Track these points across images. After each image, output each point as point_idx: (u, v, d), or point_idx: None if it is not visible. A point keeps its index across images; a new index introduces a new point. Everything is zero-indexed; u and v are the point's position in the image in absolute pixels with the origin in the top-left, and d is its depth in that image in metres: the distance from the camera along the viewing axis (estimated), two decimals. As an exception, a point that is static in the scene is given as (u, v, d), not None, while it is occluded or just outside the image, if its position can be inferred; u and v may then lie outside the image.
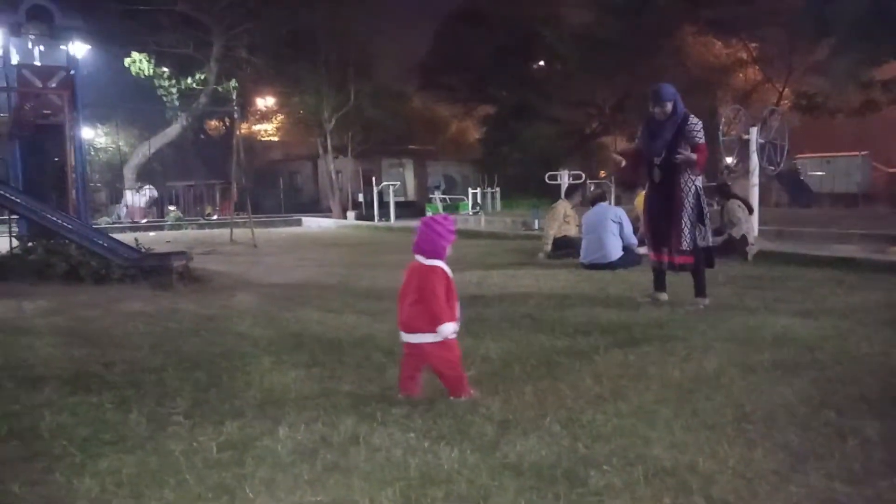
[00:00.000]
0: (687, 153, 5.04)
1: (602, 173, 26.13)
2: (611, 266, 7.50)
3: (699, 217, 5.19)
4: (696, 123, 5.11)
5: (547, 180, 15.19)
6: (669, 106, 5.13)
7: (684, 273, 5.37)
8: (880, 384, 3.13)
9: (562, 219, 9.24)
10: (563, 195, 10.08)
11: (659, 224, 5.31)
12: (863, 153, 22.44)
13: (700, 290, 5.30)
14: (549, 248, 9.15)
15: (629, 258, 7.75)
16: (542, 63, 32.42)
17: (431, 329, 2.94)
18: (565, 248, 8.84)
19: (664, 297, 5.45)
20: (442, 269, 3.00)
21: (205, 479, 2.25)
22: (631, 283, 6.56)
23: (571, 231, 9.13)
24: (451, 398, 2.98)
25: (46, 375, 3.52)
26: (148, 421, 2.82)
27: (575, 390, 3.12)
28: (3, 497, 2.13)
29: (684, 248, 5.17)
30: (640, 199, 9.96)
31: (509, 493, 2.09)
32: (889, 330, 4.25)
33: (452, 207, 21.07)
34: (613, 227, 7.69)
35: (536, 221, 14.05)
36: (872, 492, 2.07)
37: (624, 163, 5.69)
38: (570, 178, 14.49)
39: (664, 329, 4.40)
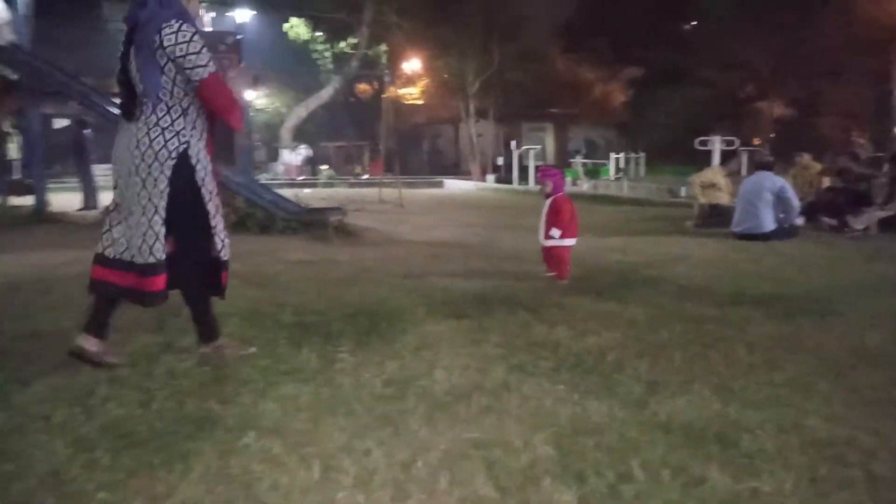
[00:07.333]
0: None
1: (756, 140, 24.54)
2: (764, 237, 7.16)
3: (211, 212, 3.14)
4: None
5: (697, 146, 14.53)
6: None
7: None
8: None
9: (698, 183, 8.96)
10: (715, 162, 9.71)
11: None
12: None
13: (206, 336, 3.08)
14: (696, 214, 8.92)
15: (785, 231, 7.35)
16: (693, 23, 30.73)
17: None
18: (716, 216, 8.52)
19: (90, 343, 2.85)
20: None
21: (372, 411, 2.47)
22: (787, 256, 6.25)
23: (724, 199, 8.77)
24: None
25: (227, 312, 3.91)
26: (318, 357, 3.11)
27: (725, 358, 3.09)
28: (206, 412, 2.45)
29: (152, 261, 2.80)
30: (814, 166, 9.45)
31: (659, 448, 2.15)
32: None
33: (594, 172, 20.61)
34: (770, 197, 7.30)
35: (683, 189, 13.56)
36: None
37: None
38: (723, 145, 13.79)
39: (821, 304, 4.21)
